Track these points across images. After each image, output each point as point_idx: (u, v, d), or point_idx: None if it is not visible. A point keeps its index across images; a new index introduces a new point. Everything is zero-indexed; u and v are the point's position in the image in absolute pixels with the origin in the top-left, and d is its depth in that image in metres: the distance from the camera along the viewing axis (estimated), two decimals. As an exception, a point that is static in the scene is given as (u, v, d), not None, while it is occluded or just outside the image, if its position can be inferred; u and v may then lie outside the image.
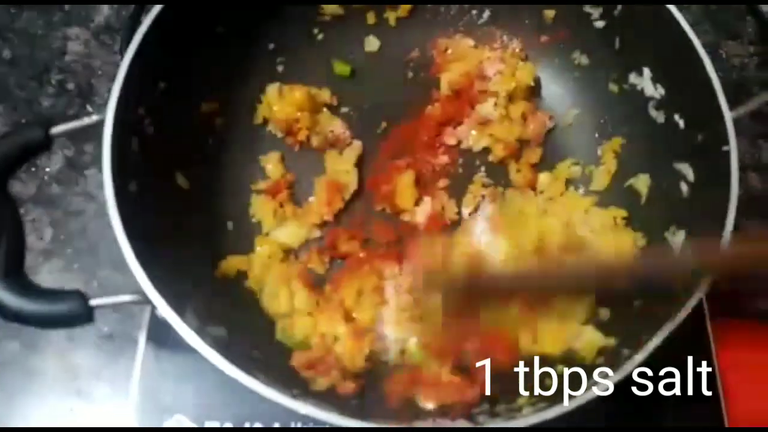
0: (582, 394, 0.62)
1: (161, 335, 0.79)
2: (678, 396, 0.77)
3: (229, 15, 0.83)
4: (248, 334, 0.73)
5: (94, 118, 0.69)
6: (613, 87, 0.87)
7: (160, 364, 0.78)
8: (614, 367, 0.63)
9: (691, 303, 0.65)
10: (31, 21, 1.06)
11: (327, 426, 0.59)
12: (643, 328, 0.66)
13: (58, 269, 0.90)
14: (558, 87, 0.93)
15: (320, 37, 0.94)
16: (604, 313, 0.76)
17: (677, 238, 0.75)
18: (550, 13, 0.90)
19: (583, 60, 0.90)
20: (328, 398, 0.68)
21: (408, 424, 0.64)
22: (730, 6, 1.10)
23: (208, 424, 0.75)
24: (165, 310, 0.61)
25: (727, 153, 0.70)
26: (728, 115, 0.71)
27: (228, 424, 0.75)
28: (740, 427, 0.78)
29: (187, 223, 0.77)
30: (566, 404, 0.61)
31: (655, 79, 0.81)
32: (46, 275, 0.89)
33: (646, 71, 0.82)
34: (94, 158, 0.97)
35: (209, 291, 0.74)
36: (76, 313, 0.61)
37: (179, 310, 0.62)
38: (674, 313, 0.64)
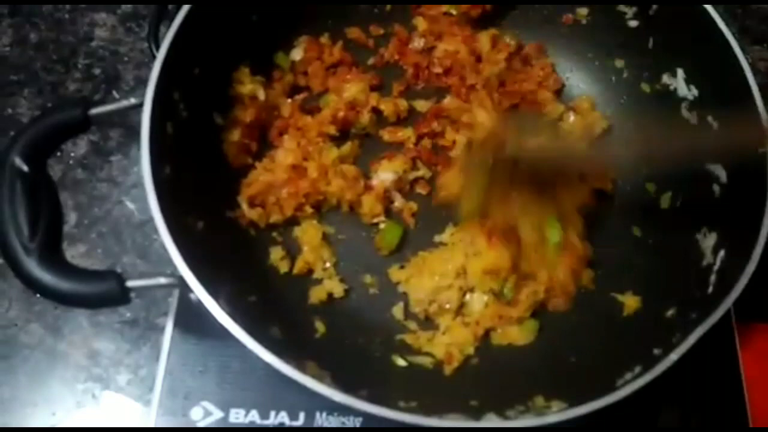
0: (610, 395, 0.62)
1: (188, 322, 0.79)
2: (702, 400, 0.78)
3: (264, 4, 0.84)
4: (276, 318, 0.73)
5: (132, 101, 0.69)
6: (645, 87, 0.87)
7: (186, 350, 0.78)
8: (646, 368, 0.63)
9: (724, 308, 0.65)
10: (58, 6, 1.06)
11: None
12: (674, 330, 0.66)
13: (81, 254, 0.90)
14: (589, 86, 0.93)
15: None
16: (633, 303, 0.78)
17: (708, 240, 0.75)
18: (583, 12, 0.90)
19: (616, 60, 0.90)
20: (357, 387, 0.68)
21: (438, 417, 0.63)
22: (756, 11, 1.10)
23: (233, 412, 0.75)
24: (200, 293, 0.61)
25: (763, 155, 0.70)
26: (765, 117, 0.71)
27: (253, 412, 0.75)
28: (764, 427, 0.78)
29: (218, 208, 0.77)
30: (596, 404, 0.61)
31: (688, 80, 0.81)
32: (70, 259, 0.86)
33: (680, 72, 0.82)
34: (120, 145, 0.96)
35: (239, 276, 0.74)
36: (112, 293, 0.61)
37: (213, 294, 0.62)
38: (705, 316, 0.65)
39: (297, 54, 0.91)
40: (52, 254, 0.62)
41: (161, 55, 0.71)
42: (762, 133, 0.70)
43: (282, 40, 0.90)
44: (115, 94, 1.00)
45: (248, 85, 0.84)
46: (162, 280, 0.63)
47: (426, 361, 0.76)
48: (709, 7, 0.76)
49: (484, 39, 0.91)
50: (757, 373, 0.80)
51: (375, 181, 0.85)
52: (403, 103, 0.90)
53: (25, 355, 0.84)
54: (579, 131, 0.88)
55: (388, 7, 0.95)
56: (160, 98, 0.69)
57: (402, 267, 0.82)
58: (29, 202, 0.62)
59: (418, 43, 0.93)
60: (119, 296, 0.62)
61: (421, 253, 0.82)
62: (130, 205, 0.93)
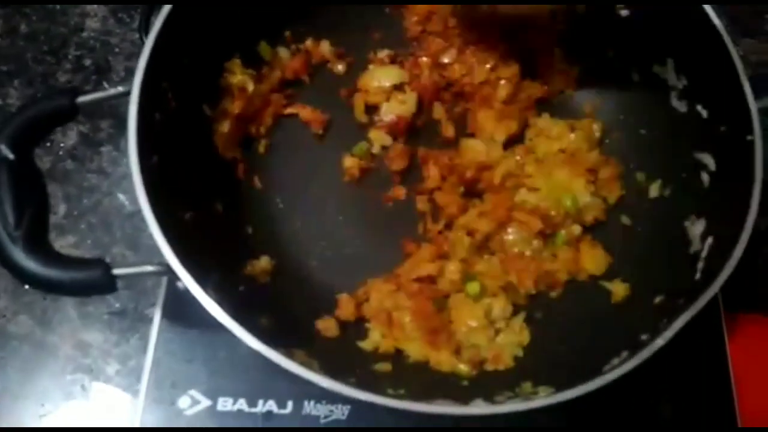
0: (596, 380, 0.62)
1: (176, 311, 0.79)
2: (689, 391, 0.78)
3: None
4: (265, 308, 0.73)
5: (120, 89, 0.69)
6: (635, 76, 0.87)
7: (173, 339, 0.78)
8: (632, 353, 0.63)
9: (711, 294, 0.65)
10: (48, -4, 1.06)
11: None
12: (662, 317, 0.66)
13: (71, 244, 0.90)
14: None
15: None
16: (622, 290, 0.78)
17: (697, 227, 0.75)
18: (581, 7, 0.89)
19: (607, 49, 0.89)
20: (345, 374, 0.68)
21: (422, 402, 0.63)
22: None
23: (221, 401, 0.75)
24: (188, 281, 0.61)
25: (751, 143, 0.70)
26: (753, 105, 0.71)
27: (242, 401, 0.75)
28: (753, 427, 0.78)
29: (207, 199, 0.77)
30: (583, 388, 0.61)
31: (678, 70, 0.81)
32: (59, 250, 0.87)
33: (670, 61, 0.81)
34: (110, 136, 0.96)
35: (228, 265, 0.74)
36: (99, 281, 0.61)
37: (201, 283, 0.62)
38: (692, 302, 0.64)
39: (284, 53, 0.90)
40: (38, 243, 0.61)
41: (149, 44, 0.70)
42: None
43: (270, 32, 0.89)
44: (105, 84, 1.00)
45: (238, 76, 0.83)
46: (149, 268, 0.63)
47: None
48: (698, -4, 0.76)
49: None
50: (744, 361, 0.79)
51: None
52: None
53: (13, 346, 0.84)
54: None
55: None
56: (148, 87, 0.69)
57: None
58: (15, 191, 0.62)
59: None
60: (106, 284, 0.61)
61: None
62: (121, 196, 0.93)
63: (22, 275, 0.61)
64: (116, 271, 0.62)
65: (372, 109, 0.89)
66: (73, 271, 0.61)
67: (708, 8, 0.75)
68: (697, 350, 0.79)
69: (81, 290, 0.63)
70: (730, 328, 0.81)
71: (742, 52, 1.06)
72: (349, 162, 0.86)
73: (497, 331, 0.77)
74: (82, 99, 0.67)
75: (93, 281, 0.61)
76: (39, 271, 0.60)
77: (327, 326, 0.75)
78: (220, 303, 0.61)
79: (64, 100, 0.66)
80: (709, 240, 0.72)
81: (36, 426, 0.80)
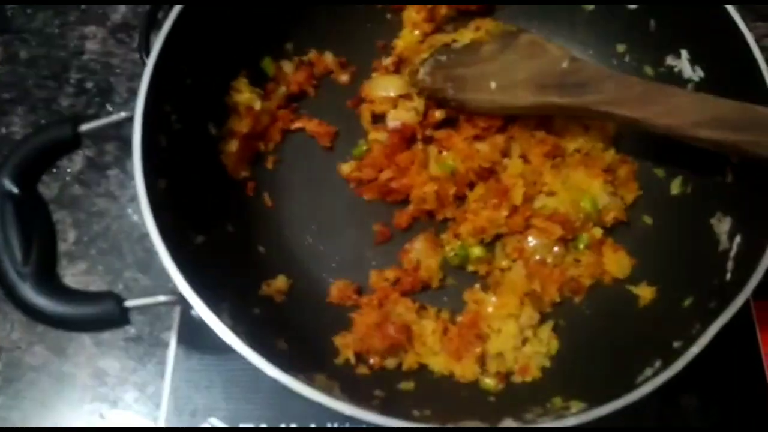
0: (631, 394, 0.59)
1: (191, 337, 0.78)
2: (722, 381, 0.76)
3: (255, 12, 0.82)
4: (282, 330, 0.71)
5: (123, 114, 0.67)
6: (648, 70, 0.84)
7: (190, 366, 0.77)
8: (666, 362, 0.61)
9: (744, 296, 0.62)
10: (47, 21, 1.05)
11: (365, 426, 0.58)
12: (693, 321, 0.64)
13: (82, 271, 0.89)
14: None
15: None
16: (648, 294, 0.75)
17: (723, 225, 0.72)
18: (589, 6, 0.88)
19: (618, 44, 0.87)
20: (367, 397, 0.66)
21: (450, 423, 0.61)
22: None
23: (242, 427, 0.73)
24: (202, 310, 0.59)
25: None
26: (774, 95, 0.68)
27: (263, 426, 0.73)
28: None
29: (218, 221, 0.76)
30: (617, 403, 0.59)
31: (693, 61, 0.79)
32: (70, 278, 0.88)
33: (684, 53, 0.79)
34: (116, 158, 0.95)
35: (242, 288, 0.72)
36: (111, 315, 0.60)
37: (216, 310, 0.60)
38: (725, 304, 0.62)
39: (288, 67, 0.89)
40: (47, 278, 0.60)
41: (149, 67, 0.69)
42: None
43: (272, 46, 0.87)
44: (108, 107, 0.99)
45: (246, 95, 0.82)
46: (162, 298, 0.62)
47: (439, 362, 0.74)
48: (711, -16, 0.73)
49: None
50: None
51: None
52: None
53: (30, 377, 0.83)
54: None
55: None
56: (151, 111, 0.68)
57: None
58: (21, 225, 0.61)
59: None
60: (118, 318, 0.60)
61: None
62: (130, 219, 0.92)
63: (32, 314, 0.60)
64: (128, 304, 0.61)
65: (379, 118, 0.88)
66: (84, 307, 0.60)
67: (721, -6, 0.73)
68: (727, 342, 0.75)
69: (94, 326, 0.62)
70: (761, 317, 0.79)
71: (756, 37, 1.03)
72: (347, 168, 0.85)
73: (524, 341, 0.75)
74: (84, 127, 0.66)
75: (105, 316, 0.60)
76: (50, 308, 0.59)
77: (345, 343, 0.74)
78: (236, 330, 0.60)
79: (66, 130, 0.65)
80: (738, 238, 0.69)
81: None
